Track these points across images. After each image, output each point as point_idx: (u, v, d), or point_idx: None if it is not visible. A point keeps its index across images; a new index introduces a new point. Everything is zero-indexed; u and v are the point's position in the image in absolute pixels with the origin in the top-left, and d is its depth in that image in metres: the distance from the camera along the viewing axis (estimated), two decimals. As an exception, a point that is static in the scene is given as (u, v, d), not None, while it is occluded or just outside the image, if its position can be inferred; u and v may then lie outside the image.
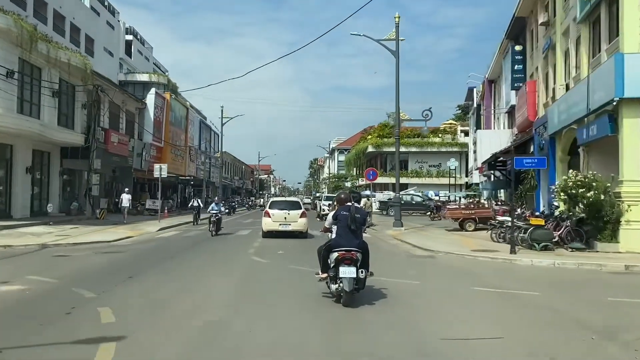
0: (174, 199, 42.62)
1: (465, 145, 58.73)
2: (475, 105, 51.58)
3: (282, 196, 68.66)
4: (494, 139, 33.34)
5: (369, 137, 63.18)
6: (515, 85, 29.13)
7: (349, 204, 7.83)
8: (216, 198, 15.65)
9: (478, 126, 51.18)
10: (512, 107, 32.47)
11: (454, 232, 22.22)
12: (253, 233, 21.76)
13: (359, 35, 24.29)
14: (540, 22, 23.93)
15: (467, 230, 22.09)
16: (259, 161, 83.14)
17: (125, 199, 25.21)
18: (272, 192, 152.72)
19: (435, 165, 59.86)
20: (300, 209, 20.10)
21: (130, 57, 57.17)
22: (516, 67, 29.06)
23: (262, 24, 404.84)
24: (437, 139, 59.27)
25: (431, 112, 24.25)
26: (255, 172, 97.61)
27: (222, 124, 45.60)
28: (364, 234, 8.22)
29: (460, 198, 51.38)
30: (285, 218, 19.26)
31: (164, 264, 12.13)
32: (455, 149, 58.57)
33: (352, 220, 7.51)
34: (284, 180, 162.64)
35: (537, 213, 19.61)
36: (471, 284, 9.60)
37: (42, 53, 22.84)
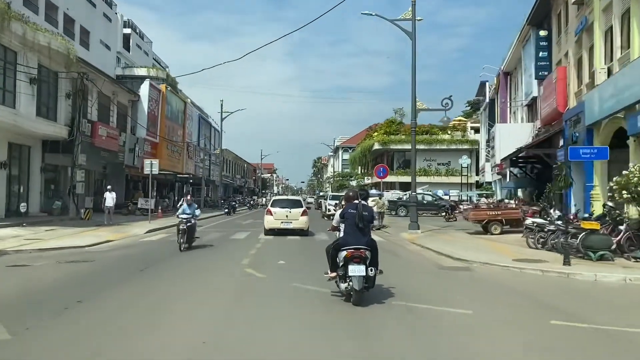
0: (170, 198, 40.10)
1: (476, 142, 56.05)
2: (487, 100, 48.90)
3: (285, 195, 66.37)
4: (514, 134, 30.68)
5: (375, 134, 60.55)
6: (540, 74, 26.47)
7: (357, 201, 7.66)
8: (188, 197, 12.73)
9: (491, 121, 48.60)
10: (534, 99, 29.83)
11: (477, 235, 19.59)
12: (251, 236, 19.15)
13: (371, 14, 21.69)
14: (572, 1, 21.28)
15: (492, 234, 19.44)
16: (262, 159, 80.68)
17: (109, 197, 22.63)
18: (275, 192, 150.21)
19: (444, 164, 57.20)
20: (302, 207, 20.22)
21: (129, 51, 54.69)
22: (540, 54, 26.41)
23: (265, 23, 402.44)
24: (446, 136, 56.58)
25: (451, 101, 21.55)
26: (257, 171, 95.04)
27: (222, 119, 43.03)
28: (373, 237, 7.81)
29: (471, 198, 48.82)
30: (286, 216, 19.36)
31: (131, 280, 9.54)
32: (466, 147, 55.88)
33: (360, 218, 7.36)
34: (287, 179, 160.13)
35: (571, 214, 16.94)
36: (543, 314, 6.98)
37: (17, 34, 20.31)
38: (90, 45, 38.13)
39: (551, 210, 17.33)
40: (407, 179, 58.17)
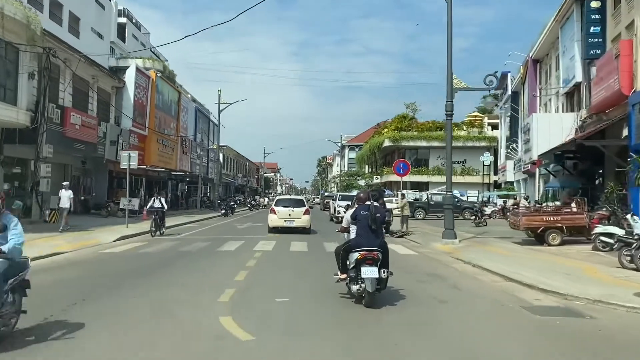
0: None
1: (494, 139, 51.73)
2: (509, 92, 44.59)
3: (289, 195, 63.45)
4: (553, 125, 26.35)
5: (385, 130, 56.30)
6: (591, 53, 22.21)
7: (369, 202, 7.45)
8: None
9: (515, 112, 44.32)
10: (576, 85, 25.56)
11: (531, 246, 15.37)
12: (245, 247, 14.91)
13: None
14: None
15: (550, 245, 15.22)
16: (264, 157, 76.55)
17: (64, 197, 18.30)
18: (279, 191, 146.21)
19: (460, 162, 52.82)
20: (304, 206, 20.97)
21: (124, 42, 50.47)
22: (592, 29, 22.14)
23: (270, 22, 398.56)
24: (462, 132, 52.24)
25: (496, 78, 17.28)
26: (260, 170, 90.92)
27: (220, 110, 38.82)
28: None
29: (490, 198, 44.52)
30: (289, 215, 20.01)
31: (32, 332, 5.34)
32: (483, 144, 51.54)
33: (373, 219, 7.20)
34: (291, 179, 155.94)
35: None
36: None
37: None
38: (81, 32, 34.06)
39: (629, 216, 13.07)
40: (419, 178, 53.91)
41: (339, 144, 60.22)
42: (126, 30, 53.76)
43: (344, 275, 7.34)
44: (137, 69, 29.84)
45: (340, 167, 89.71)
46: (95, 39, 36.42)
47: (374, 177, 54.89)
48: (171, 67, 51.12)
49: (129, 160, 20.05)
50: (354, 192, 31.39)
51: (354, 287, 7.13)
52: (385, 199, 15.08)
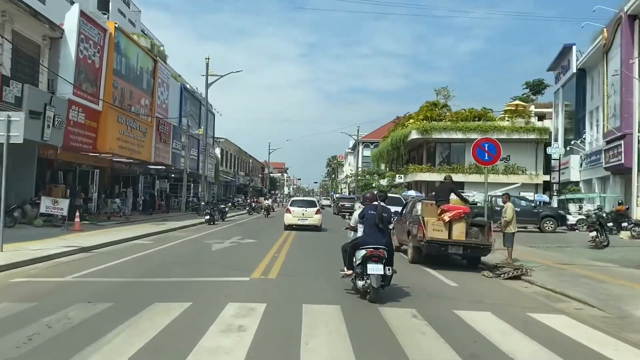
0: (124, 198, 26.52)
1: (546, 131, 41.94)
2: (574, 70, 34.92)
3: (302, 196, 57.03)
4: None
5: (410, 121, 46.65)
6: None
7: (376, 203, 7.78)
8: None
9: (581, 96, 34.69)
10: None
11: None
12: (195, 318, 5.46)
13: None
14: None
15: None
16: (269, 153, 67.12)
17: None
18: (286, 192, 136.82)
19: (503, 159, 43.05)
20: (316, 207, 23.17)
21: (107, 17, 41.51)
22: None
23: (280, 24, 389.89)
24: (505, 123, 42.49)
25: None
26: (265, 169, 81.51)
27: (207, 84, 29.23)
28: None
29: (543, 202, 34.89)
30: (303, 214, 22.09)
31: None
32: (532, 136, 41.72)
33: (380, 219, 7.44)
34: (299, 179, 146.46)
35: None
36: None
37: None
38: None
39: None
40: (452, 177, 44.34)
41: (355, 137, 50.48)
42: (110, 4, 44.87)
43: (350, 272, 7.59)
44: (82, 14, 20.40)
45: (356, 165, 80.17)
46: (66, 6, 27.32)
47: (397, 176, 45.22)
48: (161, 45, 42.04)
49: (7, 127, 10.71)
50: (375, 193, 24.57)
51: (360, 283, 7.32)
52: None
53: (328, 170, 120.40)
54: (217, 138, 45.48)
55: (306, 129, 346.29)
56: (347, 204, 41.65)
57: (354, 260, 7.45)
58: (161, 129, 29.11)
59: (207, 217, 24.27)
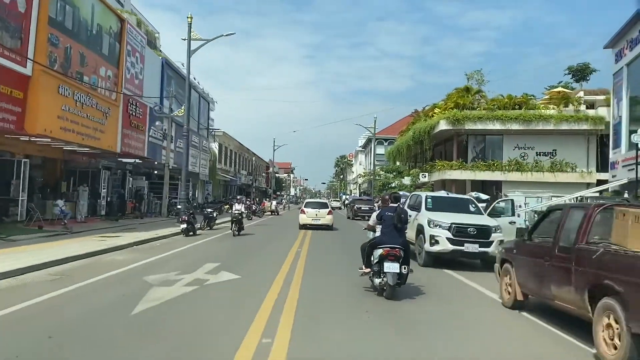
0: (75, 199, 19.65)
1: (601, 120, 34.72)
2: (648, 42, 27.73)
3: (315, 198, 53.10)
4: None
5: (436, 111, 39.61)
6: None
7: (393, 205, 7.98)
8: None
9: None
10: None
11: None
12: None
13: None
14: None
15: None
16: (274, 150, 60.23)
17: None
18: (292, 193, 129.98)
19: (547, 153, 35.96)
20: (328, 208, 24.67)
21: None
22: None
23: (284, 25, 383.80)
24: (551, 111, 35.35)
25: None
26: (270, 168, 74.64)
27: (190, 52, 22.20)
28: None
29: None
30: (316, 215, 23.47)
31: None
32: (584, 127, 34.50)
33: (399, 220, 7.64)
34: (306, 179, 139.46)
35: None
36: None
37: None
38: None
39: None
40: (488, 175, 37.25)
41: (372, 130, 43.26)
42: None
43: (368, 269, 7.78)
44: None
45: (372, 162, 73.33)
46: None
47: (420, 174, 38.10)
48: (157, 33, 35.37)
49: None
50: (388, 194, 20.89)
51: (377, 280, 7.53)
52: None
53: (336, 170, 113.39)
54: (212, 129, 38.66)
55: (313, 129, 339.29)
56: (364, 207, 34.75)
57: (372, 258, 7.61)
58: (132, 110, 22.27)
59: (184, 225, 17.38)
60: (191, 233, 17.48)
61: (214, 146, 43.43)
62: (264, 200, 40.26)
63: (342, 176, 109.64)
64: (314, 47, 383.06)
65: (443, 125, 36.15)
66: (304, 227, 23.06)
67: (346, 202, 75.11)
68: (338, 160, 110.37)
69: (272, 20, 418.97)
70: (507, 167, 35.37)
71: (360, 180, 78.32)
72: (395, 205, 8.01)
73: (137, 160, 23.81)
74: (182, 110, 21.39)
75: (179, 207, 26.63)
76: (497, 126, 35.23)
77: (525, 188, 33.67)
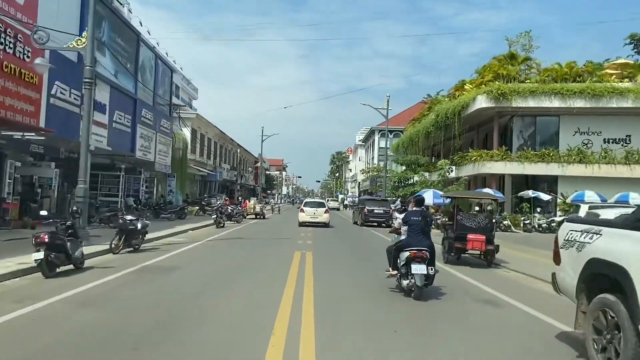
0: None
1: (697, 95, 25.75)
2: None
3: (297, 197, 60.61)
4: None
5: (467, 87, 30.48)
6: None
7: (417, 208, 7.93)
8: None
9: None
10: None
11: None
12: None
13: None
14: None
15: None
16: (262, 140, 50.69)
17: None
18: (285, 192, 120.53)
19: (619, 140, 27.03)
20: (325, 207, 25.45)
21: None
22: None
23: (281, 24, 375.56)
24: (625, 84, 26.33)
25: None
26: (259, 163, 65.17)
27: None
28: None
29: None
30: (314, 213, 24.14)
31: None
32: (674, 104, 25.56)
33: (425, 223, 7.65)
34: (300, 177, 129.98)
35: None
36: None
37: None
38: None
39: None
40: (541, 169, 28.02)
41: (384, 110, 33.80)
42: None
43: (395, 272, 7.81)
44: None
45: (364, 160, 64.20)
46: None
47: (447, 167, 28.75)
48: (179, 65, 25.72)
49: None
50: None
51: (404, 282, 7.54)
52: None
53: (332, 168, 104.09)
54: (176, 105, 29.32)
55: (307, 127, 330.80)
56: (379, 209, 25.56)
57: (399, 261, 7.66)
58: (7, 44, 12.83)
59: (39, 255, 7.91)
60: (48, 273, 8.06)
61: (186, 132, 34.05)
62: (245, 200, 31.04)
63: (338, 174, 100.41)
64: (309, 46, 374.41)
65: (482, 103, 27.02)
66: (303, 224, 23.65)
67: (347, 202, 65.87)
68: (334, 157, 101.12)
69: (269, 19, 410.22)
70: (565, 158, 26.34)
71: (361, 178, 69.09)
72: (420, 208, 7.90)
73: (27, 135, 14.38)
74: (82, 40, 11.93)
75: (113, 211, 17.36)
76: (555, 103, 26.15)
77: (589, 185, 24.89)
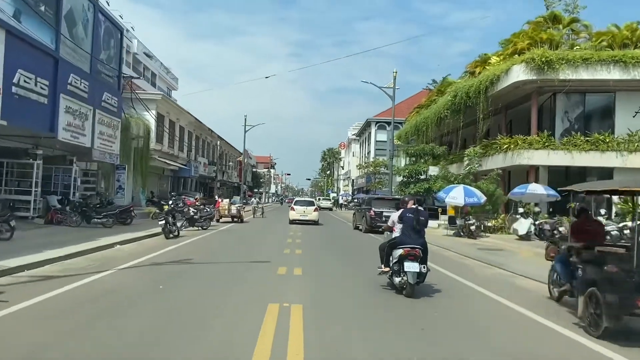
0: None
1: None
2: None
3: (286, 196, 59.47)
4: None
5: (492, 61, 24.49)
6: None
7: (413, 206, 7.80)
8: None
9: None
10: None
11: None
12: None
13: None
14: None
15: None
16: (246, 130, 44.14)
17: None
18: (273, 191, 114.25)
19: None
20: (314, 205, 26.23)
21: None
22: None
23: (271, 22, 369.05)
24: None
25: None
26: (246, 159, 58.75)
27: None
28: None
29: None
30: (304, 211, 24.52)
31: None
32: None
33: (417, 221, 7.55)
34: (289, 174, 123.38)
35: None
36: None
37: None
38: None
39: None
40: (594, 159, 22.11)
41: (390, 89, 27.32)
42: None
43: (387, 269, 7.73)
44: None
45: (361, 154, 58.15)
46: None
47: (476, 156, 22.51)
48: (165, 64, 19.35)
49: None
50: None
51: (397, 279, 7.48)
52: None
53: (323, 165, 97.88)
54: (126, 76, 23.00)
55: (296, 126, 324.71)
56: (390, 212, 19.34)
57: (391, 258, 7.60)
58: None
59: None
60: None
61: (151, 116, 27.71)
62: (218, 200, 24.75)
63: (329, 172, 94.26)
64: (300, 45, 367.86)
65: (519, 75, 21.03)
66: (293, 222, 23.78)
67: (342, 201, 59.28)
68: (325, 154, 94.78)
69: (259, 18, 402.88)
70: (625, 146, 20.43)
71: (355, 175, 63.02)
72: (414, 206, 7.77)
73: None
74: None
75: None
76: (615, 75, 20.20)
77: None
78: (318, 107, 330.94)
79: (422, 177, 25.77)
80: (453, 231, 18.81)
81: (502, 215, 21.55)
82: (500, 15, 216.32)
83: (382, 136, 52.90)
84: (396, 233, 7.77)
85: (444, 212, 24.61)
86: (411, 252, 7.29)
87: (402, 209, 7.90)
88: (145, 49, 51.77)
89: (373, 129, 54.20)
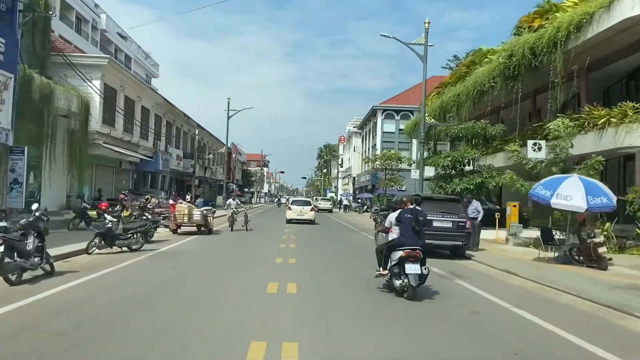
0: None
1: None
2: None
3: (299, 197, 52.00)
4: None
5: (568, 3, 17.14)
6: None
7: (411, 206, 7.49)
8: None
9: None
10: None
11: None
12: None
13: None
14: None
15: None
16: (229, 117, 36.20)
17: None
18: (266, 190, 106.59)
19: None
20: (311, 205, 26.42)
21: None
22: None
23: (265, 22, 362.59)
24: None
25: None
26: (233, 155, 50.96)
27: None
28: None
29: None
30: (301, 211, 24.80)
31: None
32: None
33: (416, 222, 7.29)
34: (283, 172, 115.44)
35: None
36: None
37: None
38: None
39: None
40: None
41: (424, 44, 20.15)
42: None
43: (385, 272, 7.47)
44: None
45: (365, 149, 50.66)
46: None
47: (567, 132, 14.89)
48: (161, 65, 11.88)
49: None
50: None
51: (397, 282, 7.21)
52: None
53: (319, 163, 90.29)
54: (32, 11, 15.26)
55: (292, 126, 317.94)
56: (444, 220, 11.89)
57: (390, 261, 7.37)
58: None
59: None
60: None
61: (95, 86, 20.09)
62: (173, 202, 17.04)
63: (325, 170, 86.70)
64: (295, 44, 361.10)
65: (635, 9, 13.54)
66: (290, 221, 23.59)
67: (345, 202, 50.13)
68: (321, 151, 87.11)
69: (254, 17, 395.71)
70: None
71: (356, 172, 55.48)
72: (412, 207, 7.43)
73: None
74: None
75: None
76: None
77: None
78: (315, 107, 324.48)
79: (468, 167, 18.18)
80: (556, 253, 11.21)
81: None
82: (496, 15, 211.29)
83: (390, 126, 45.39)
84: (393, 235, 7.55)
85: (502, 216, 17.20)
86: (412, 253, 7.02)
87: (399, 210, 7.63)
88: (119, 28, 44.16)
89: (379, 118, 46.53)
